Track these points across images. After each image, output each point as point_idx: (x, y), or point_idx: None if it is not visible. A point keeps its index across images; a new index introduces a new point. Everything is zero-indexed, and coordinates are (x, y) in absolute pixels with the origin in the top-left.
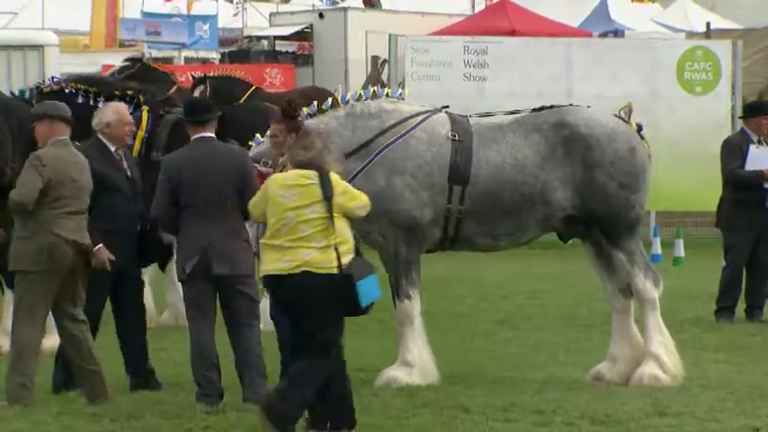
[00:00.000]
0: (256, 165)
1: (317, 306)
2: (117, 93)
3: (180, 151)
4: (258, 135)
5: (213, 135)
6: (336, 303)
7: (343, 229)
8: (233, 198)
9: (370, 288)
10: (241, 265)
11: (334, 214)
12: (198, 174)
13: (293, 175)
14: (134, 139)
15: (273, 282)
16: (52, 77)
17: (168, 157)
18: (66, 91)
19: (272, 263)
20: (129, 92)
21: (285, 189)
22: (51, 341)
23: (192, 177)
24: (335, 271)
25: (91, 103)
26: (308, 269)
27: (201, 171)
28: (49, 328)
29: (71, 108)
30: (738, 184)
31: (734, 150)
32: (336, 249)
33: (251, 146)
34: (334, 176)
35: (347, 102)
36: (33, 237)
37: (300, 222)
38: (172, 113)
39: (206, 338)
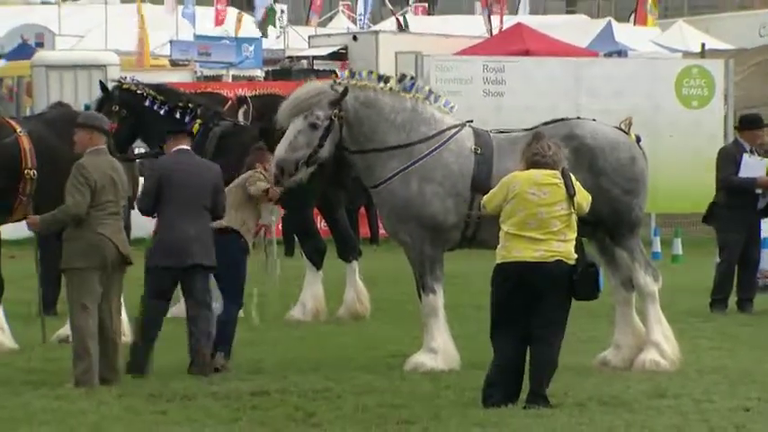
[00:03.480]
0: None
1: (563, 291)
2: (180, 104)
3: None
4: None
5: (188, 147)
6: (572, 289)
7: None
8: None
9: (601, 276)
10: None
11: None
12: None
13: (542, 174)
14: None
15: (519, 268)
16: (133, 78)
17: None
18: (138, 92)
19: (521, 251)
20: (190, 104)
21: (536, 187)
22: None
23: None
24: (573, 262)
25: (155, 107)
26: (561, 258)
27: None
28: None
29: (138, 108)
30: (733, 189)
31: (729, 159)
32: (576, 242)
33: None
34: (572, 175)
35: (414, 87)
36: (81, 237)
37: (552, 218)
38: (219, 126)
39: (158, 318)
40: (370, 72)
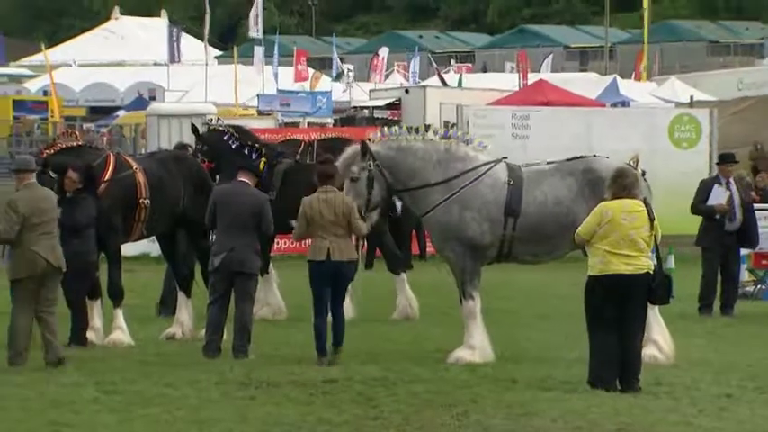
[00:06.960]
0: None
1: (647, 296)
2: (249, 143)
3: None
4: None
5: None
6: (651, 295)
7: None
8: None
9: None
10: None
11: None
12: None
13: (629, 203)
14: None
15: (616, 280)
16: (218, 119)
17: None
18: (220, 129)
19: (618, 266)
20: (258, 144)
21: (626, 214)
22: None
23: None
24: (652, 272)
25: (231, 143)
26: (648, 271)
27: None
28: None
29: (220, 144)
30: (697, 214)
31: (701, 189)
32: (652, 258)
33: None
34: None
35: (448, 136)
36: (20, 254)
37: (639, 238)
38: (282, 164)
39: (219, 312)
40: (410, 128)
